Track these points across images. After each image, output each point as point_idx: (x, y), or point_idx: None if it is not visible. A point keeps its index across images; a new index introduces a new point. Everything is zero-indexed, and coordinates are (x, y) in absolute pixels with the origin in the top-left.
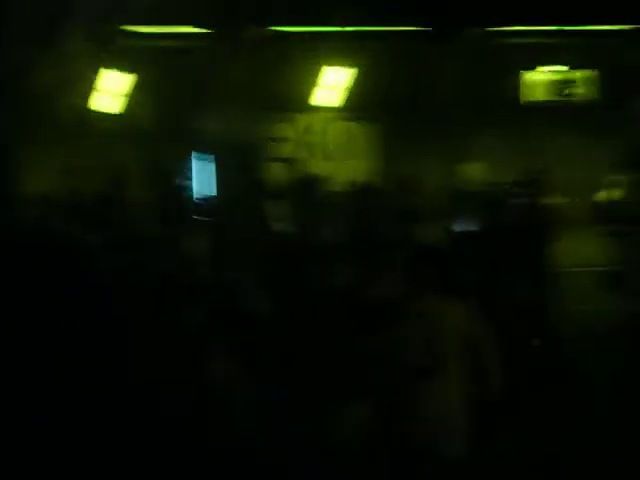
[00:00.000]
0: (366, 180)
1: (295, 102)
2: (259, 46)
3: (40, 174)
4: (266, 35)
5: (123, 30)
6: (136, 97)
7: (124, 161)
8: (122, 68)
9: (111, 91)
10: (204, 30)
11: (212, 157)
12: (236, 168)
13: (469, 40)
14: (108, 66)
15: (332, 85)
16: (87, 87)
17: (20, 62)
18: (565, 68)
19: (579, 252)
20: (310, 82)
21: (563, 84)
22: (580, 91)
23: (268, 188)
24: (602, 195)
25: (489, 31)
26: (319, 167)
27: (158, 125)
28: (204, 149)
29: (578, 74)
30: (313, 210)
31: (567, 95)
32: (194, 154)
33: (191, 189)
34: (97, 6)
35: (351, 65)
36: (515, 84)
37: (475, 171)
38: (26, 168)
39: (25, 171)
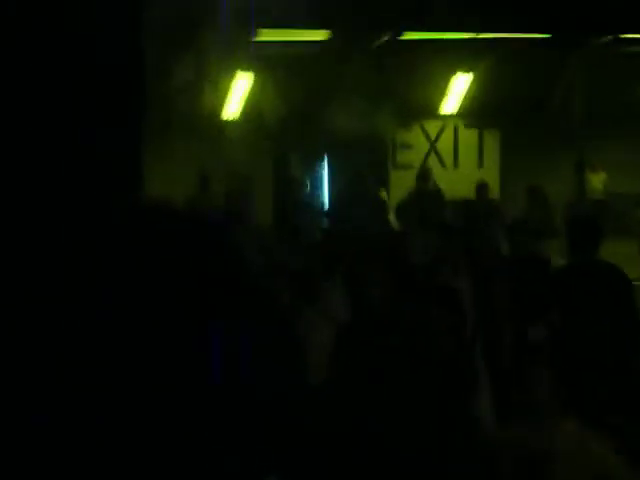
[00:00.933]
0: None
1: (418, 110)
2: (387, 53)
3: (170, 180)
4: (393, 42)
5: (255, 37)
6: (267, 104)
7: (252, 168)
8: (253, 74)
9: (242, 97)
10: (328, 37)
11: (340, 165)
12: (362, 176)
13: (597, 47)
14: (240, 71)
15: (455, 93)
16: (219, 92)
17: (156, 64)
18: None
19: None
20: (433, 90)
21: None
22: None
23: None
24: None
25: (619, 38)
26: (444, 175)
27: (287, 132)
28: (332, 155)
29: None
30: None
31: None
32: (325, 162)
33: (321, 197)
34: (233, 12)
35: (477, 72)
36: None
37: (600, 181)
38: (154, 174)
39: (153, 177)
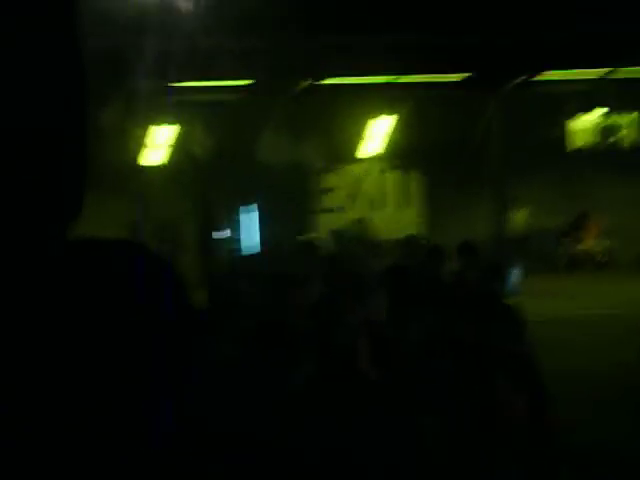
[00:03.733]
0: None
1: (341, 153)
2: (309, 97)
3: (89, 225)
4: (310, 87)
5: (171, 85)
6: (183, 149)
7: (172, 213)
8: (170, 121)
9: (159, 144)
10: (250, 82)
11: (258, 208)
12: (283, 220)
13: (513, 88)
14: (156, 120)
15: (378, 135)
16: (136, 140)
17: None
18: (608, 113)
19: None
20: (356, 133)
21: (609, 129)
22: (627, 135)
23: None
24: None
25: (532, 80)
26: (366, 217)
27: (205, 177)
28: (251, 201)
29: (625, 118)
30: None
31: (613, 141)
32: (241, 206)
33: (238, 241)
34: (147, 62)
35: (396, 115)
36: (561, 131)
37: (521, 218)
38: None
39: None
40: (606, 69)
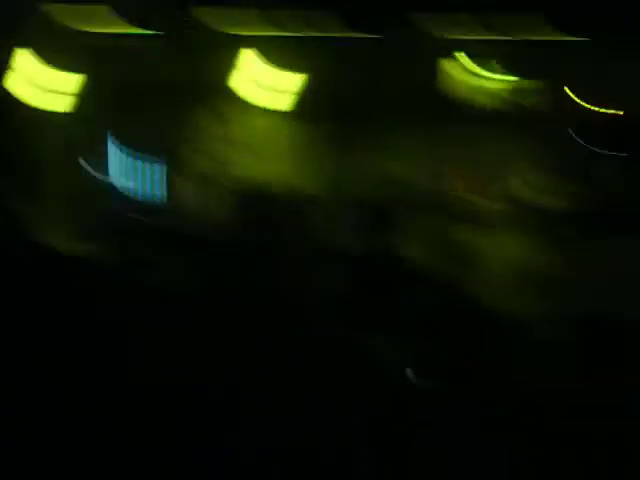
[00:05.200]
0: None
1: (235, 100)
2: (206, 46)
3: None
4: (211, 35)
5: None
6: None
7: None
8: (71, 67)
9: (59, 90)
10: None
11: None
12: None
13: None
14: (58, 65)
15: (275, 87)
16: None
17: None
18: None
19: None
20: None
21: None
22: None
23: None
24: None
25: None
26: (250, 166)
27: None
28: (129, 145)
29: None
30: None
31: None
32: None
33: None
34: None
35: (297, 69)
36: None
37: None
38: None
39: None
40: None
